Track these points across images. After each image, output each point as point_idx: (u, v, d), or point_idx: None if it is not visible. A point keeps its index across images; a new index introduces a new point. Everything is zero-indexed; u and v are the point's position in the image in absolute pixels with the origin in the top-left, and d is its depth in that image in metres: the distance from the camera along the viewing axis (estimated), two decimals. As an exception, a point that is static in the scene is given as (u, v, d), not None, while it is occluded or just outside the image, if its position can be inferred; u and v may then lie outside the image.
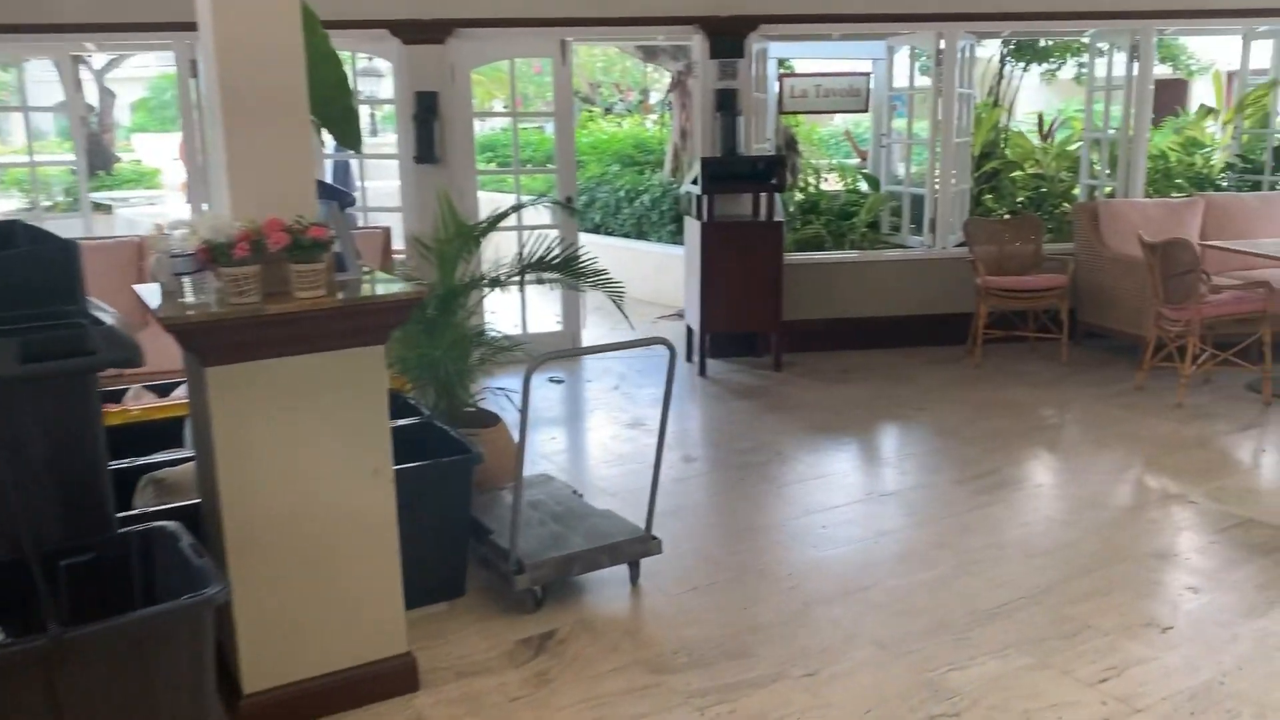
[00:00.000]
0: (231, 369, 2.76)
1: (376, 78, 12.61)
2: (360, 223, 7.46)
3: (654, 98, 17.85)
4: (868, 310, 7.39)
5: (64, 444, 2.49)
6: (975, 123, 8.46)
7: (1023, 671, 3.21)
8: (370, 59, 8.59)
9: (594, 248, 5.98)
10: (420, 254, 5.19)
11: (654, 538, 3.83)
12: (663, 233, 10.20)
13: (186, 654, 2.20)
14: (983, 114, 9.28)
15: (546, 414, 6.14)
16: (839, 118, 15.53)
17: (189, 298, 2.78)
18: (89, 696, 2.12)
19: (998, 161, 9.39)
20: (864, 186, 9.33)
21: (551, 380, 6.76)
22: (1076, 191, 8.63)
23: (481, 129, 16.05)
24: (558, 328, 7.42)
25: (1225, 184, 8.79)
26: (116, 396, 4.32)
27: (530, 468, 4.55)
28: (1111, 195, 7.74)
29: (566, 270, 4.76)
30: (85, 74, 16.48)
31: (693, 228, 6.91)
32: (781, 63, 10.19)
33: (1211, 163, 9.05)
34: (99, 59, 16.85)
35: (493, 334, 5.06)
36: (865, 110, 9.12)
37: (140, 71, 20.91)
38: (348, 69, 6.87)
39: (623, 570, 3.84)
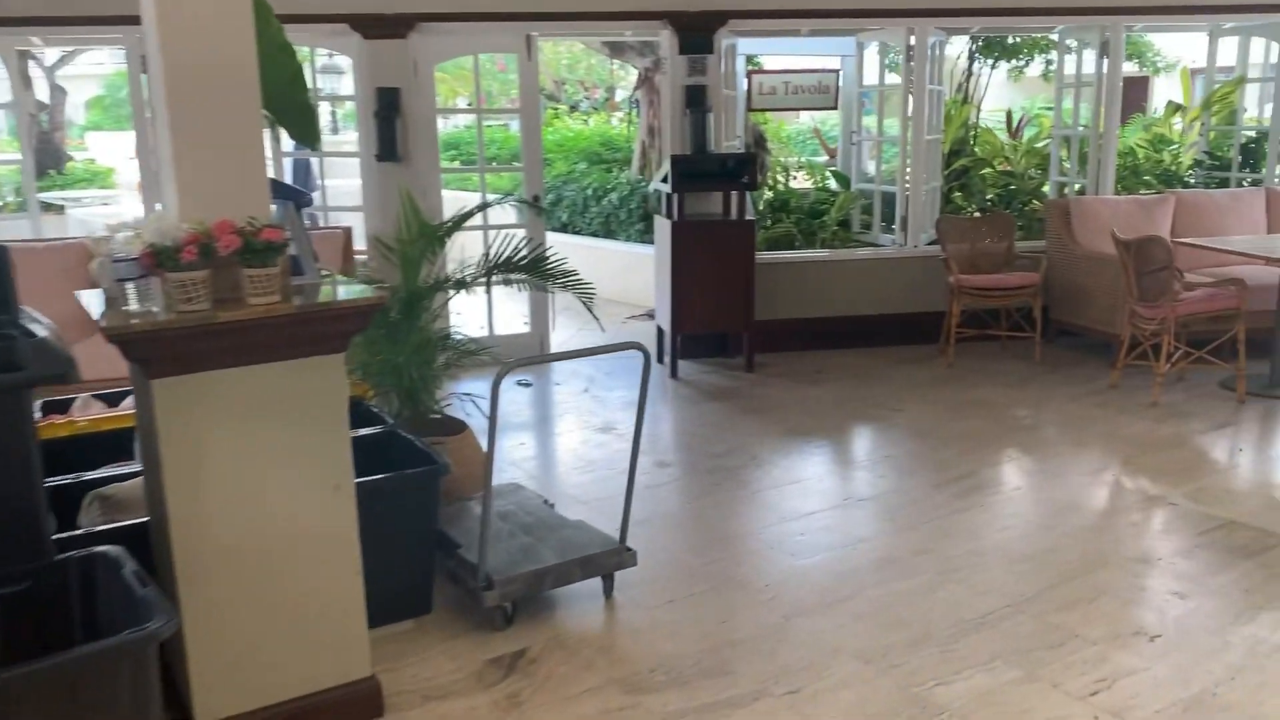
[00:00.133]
0: (180, 381, 2.59)
1: (338, 74, 12.36)
2: (321, 222, 7.27)
3: (620, 95, 17.72)
4: (840, 310, 7.30)
5: (-6, 465, 2.31)
6: (945, 120, 8.40)
7: (1011, 685, 3.11)
8: (331, 55, 8.38)
9: (561, 247, 5.85)
10: (382, 255, 5.02)
11: (629, 549, 3.70)
12: (631, 231, 10.08)
13: (128, 693, 2.03)
14: (952, 111, 9.23)
15: (515, 418, 5.98)
16: (806, 114, 15.47)
17: (133, 305, 2.60)
18: (22, 740, 1.95)
19: (967, 159, 9.35)
20: (834, 184, 9.25)
21: (520, 383, 6.61)
22: (1046, 189, 8.60)
23: (445, 126, 15.84)
24: (525, 329, 7.27)
25: (1193, 181, 8.80)
26: (63, 406, 4.13)
27: (499, 475, 4.40)
28: (1082, 192, 7.71)
29: (535, 271, 4.62)
30: (36, 71, 16.06)
31: (663, 227, 6.78)
32: (750, 59, 10.09)
33: (1180, 160, 9.05)
34: (50, 55, 16.42)
35: (458, 337, 4.91)
36: (835, 107, 9.01)
37: (95, 69, 20.45)
38: (307, 65, 6.69)
39: (596, 583, 3.70)
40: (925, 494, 4.70)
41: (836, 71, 8.61)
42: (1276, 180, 7.92)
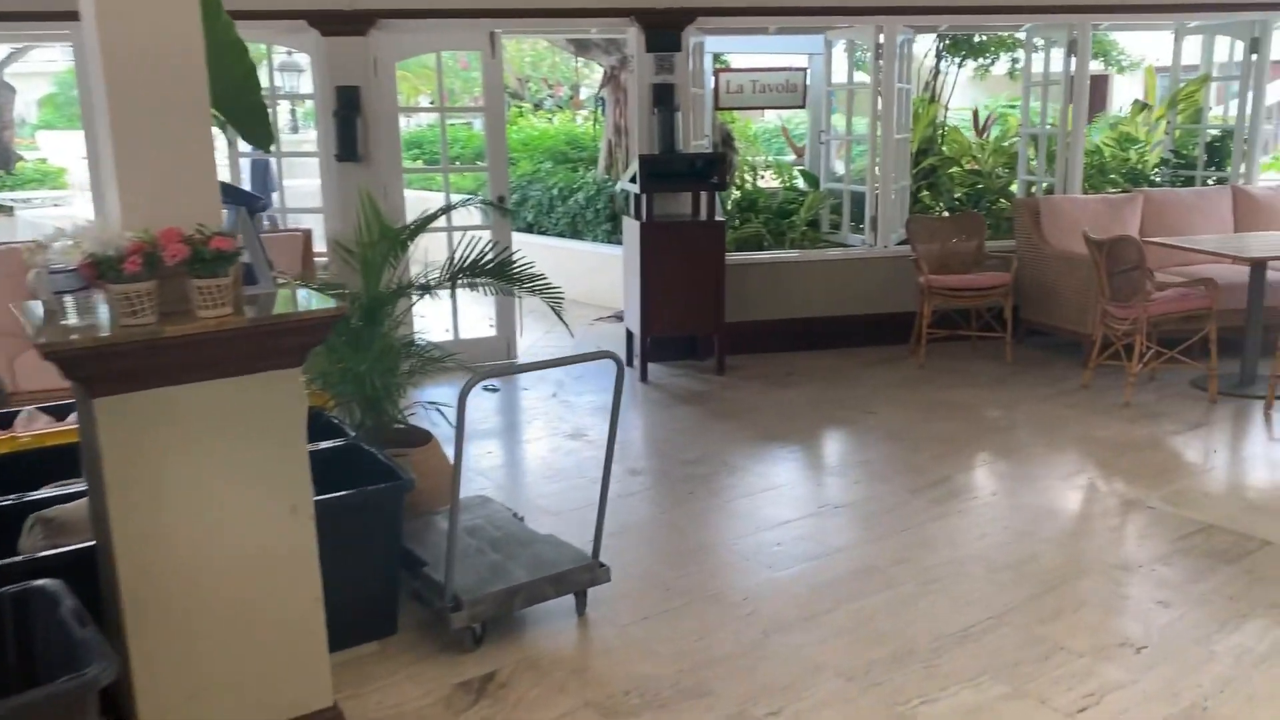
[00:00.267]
0: (124, 399, 2.43)
1: (297, 71, 12.12)
2: (280, 224, 7.07)
3: (585, 93, 17.56)
4: (810, 310, 7.22)
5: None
6: (913, 119, 8.34)
7: (998, 702, 3.02)
8: (290, 52, 8.17)
9: (527, 248, 5.71)
10: (343, 259, 4.85)
11: (602, 565, 3.57)
12: (598, 231, 9.95)
13: (66, 743, 1.88)
14: (920, 110, 9.18)
15: (481, 425, 5.83)
16: (772, 113, 15.40)
17: (73, 319, 2.44)
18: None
19: (935, 158, 9.31)
20: (802, 184, 9.16)
21: (486, 388, 6.45)
22: (1014, 188, 8.57)
23: (408, 125, 15.59)
24: (492, 332, 7.12)
25: (1159, 179, 8.81)
26: (6, 420, 3.94)
27: (466, 486, 4.25)
28: (1050, 191, 7.68)
29: (501, 275, 4.47)
30: (-16, 68, 15.62)
31: (631, 228, 6.66)
32: (716, 58, 9.97)
33: (1145, 159, 9.07)
34: (-1, 51, 15.98)
35: (422, 343, 4.75)
36: (803, 106, 8.92)
37: (47, 66, 19.98)
38: (264, 62, 6.49)
39: (568, 600, 3.57)
40: (901, 500, 4.62)
41: (804, 70, 8.53)
42: (1242, 178, 7.94)
